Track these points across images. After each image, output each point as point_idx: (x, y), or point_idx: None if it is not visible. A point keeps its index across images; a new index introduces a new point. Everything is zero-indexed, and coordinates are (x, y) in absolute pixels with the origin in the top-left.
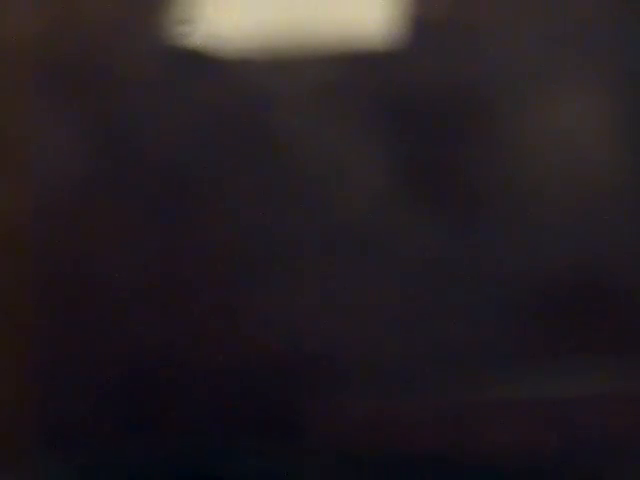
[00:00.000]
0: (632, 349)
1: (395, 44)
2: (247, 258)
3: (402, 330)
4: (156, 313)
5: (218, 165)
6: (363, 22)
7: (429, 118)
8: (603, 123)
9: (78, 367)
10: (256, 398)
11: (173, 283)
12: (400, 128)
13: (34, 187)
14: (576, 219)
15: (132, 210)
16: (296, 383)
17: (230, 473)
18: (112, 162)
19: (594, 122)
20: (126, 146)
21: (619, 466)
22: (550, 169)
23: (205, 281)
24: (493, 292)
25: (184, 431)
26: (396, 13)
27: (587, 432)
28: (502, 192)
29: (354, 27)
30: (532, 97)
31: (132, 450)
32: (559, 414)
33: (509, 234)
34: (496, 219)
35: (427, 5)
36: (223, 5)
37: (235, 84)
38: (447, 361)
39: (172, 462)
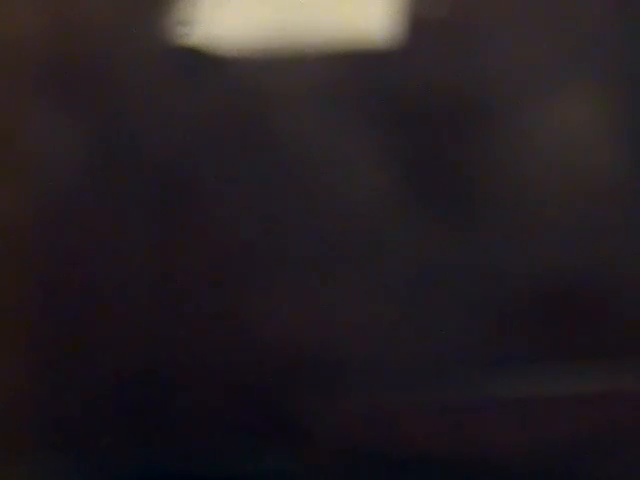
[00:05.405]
0: (632, 350)
1: (398, 43)
2: (247, 258)
3: (403, 330)
4: (157, 313)
5: (218, 165)
6: (365, 22)
7: (432, 119)
8: (609, 125)
9: (79, 366)
10: (256, 399)
11: (174, 284)
12: (404, 129)
13: (34, 188)
14: (579, 221)
15: (132, 211)
16: (298, 383)
17: (231, 473)
18: (111, 163)
19: (599, 123)
20: (126, 147)
21: (616, 466)
22: (556, 172)
23: (206, 282)
24: (497, 294)
25: (185, 431)
26: (399, 12)
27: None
28: (506, 195)
29: (355, 26)
30: (537, 99)
31: (133, 450)
32: (561, 415)
33: (513, 238)
34: (499, 221)
35: (432, 5)
36: (223, 5)
37: (235, 85)
38: (446, 361)
39: (173, 463)
